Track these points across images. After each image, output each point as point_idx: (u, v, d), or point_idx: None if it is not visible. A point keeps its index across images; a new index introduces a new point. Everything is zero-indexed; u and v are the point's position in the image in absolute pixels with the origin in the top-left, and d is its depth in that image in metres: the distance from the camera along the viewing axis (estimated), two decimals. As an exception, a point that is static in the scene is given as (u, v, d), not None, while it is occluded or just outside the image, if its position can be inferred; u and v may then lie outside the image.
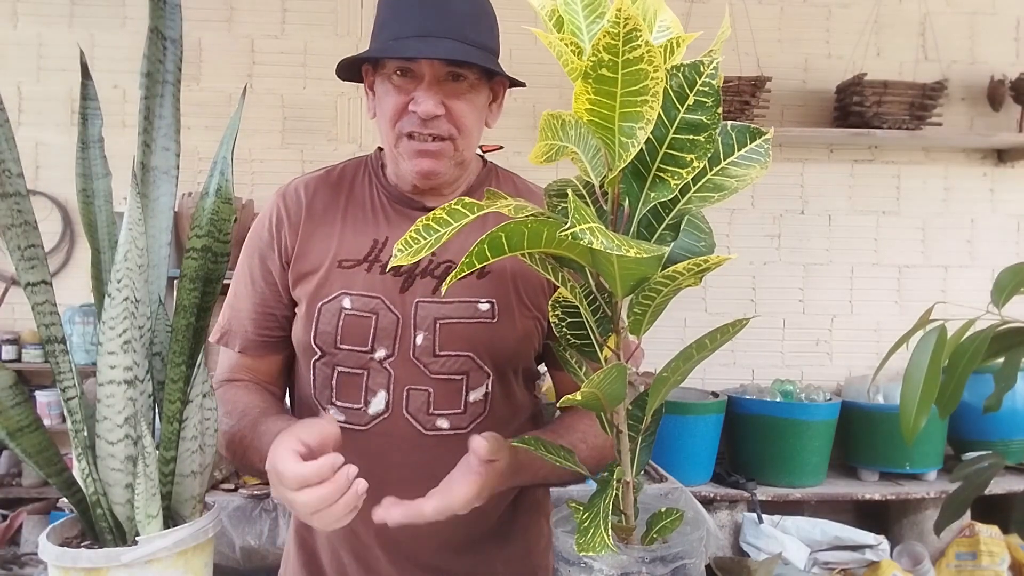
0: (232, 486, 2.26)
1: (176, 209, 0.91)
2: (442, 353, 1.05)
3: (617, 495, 0.85)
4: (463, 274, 0.70)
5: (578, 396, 0.77)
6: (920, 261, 3.46)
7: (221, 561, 2.07)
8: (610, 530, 0.77)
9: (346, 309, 1.05)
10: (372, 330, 1.05)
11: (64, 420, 0.87)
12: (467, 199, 0.74)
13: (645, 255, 0.66)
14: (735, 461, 3.01)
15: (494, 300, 1.07)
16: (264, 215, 1.14)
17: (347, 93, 3.25)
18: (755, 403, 2.93)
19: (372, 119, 1.11)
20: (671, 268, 0.72)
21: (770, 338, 3.40)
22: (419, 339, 1.05)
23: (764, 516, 2.74)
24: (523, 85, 1.09)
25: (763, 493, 2.82)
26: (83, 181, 0.82)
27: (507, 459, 0.93)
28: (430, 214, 0.73)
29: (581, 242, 0.65)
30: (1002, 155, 3.44)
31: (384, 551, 1.10)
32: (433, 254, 1.06)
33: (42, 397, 3.00)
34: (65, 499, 0.81)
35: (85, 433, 0.78)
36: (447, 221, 0.73)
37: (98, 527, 0.79)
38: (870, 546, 2.78)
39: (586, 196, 0.85)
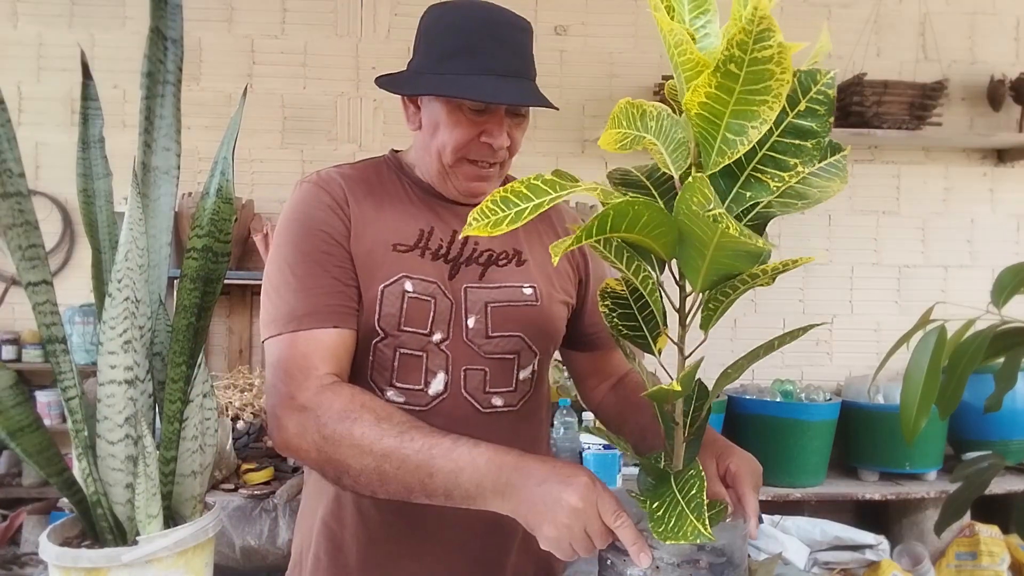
0: (232, 486, 2.26)
1: (176, 209, 0.91)
2: (495, 334, 1.11)
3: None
4: (572, 247, 0.70)
5: (675, 386, 0.77)
6: (920, 261, 3.46)
7: (221, 561, 2.06)
8: (706, 519, 0.76)
9: (408, 292, 1.08)
10: (431, 313, 1.09)
11: (64, 420, 0.87)
12: (547, 176, 0.74)
13: (770, 249, 0.68)
14: (735, 461, 3.00)
15: (535, 285, 1.15)
16: (306, 199, 1.11)
17: (347, 93, 3.25)
18: (755, 403, 2.93)
19: (415, 131, 1.15)
20: (759, 267, 0.74)
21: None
22: (471, 322, 1.10)
23: (764, 516, 2.74)
24: (556, 108, 1.13)
25: (763, 493, 2.81)
26: (84, 181, 0.82)
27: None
28: (508, 186, 0.72)
29: (718, 225, 0.66)
30: (1002, 155, 3.44)
31: (411, 539, 1.11)
32: (476, 243, 1.13)
33: (42, 397, 3.00)
34: (65, 499, 0.81)
35: (85, 433, 0.78)
36: (528, 196, 0.72)
37: (98, 527, 0.79)
38: (870, 546, 2.77)
39: (651, 187, 0.86)
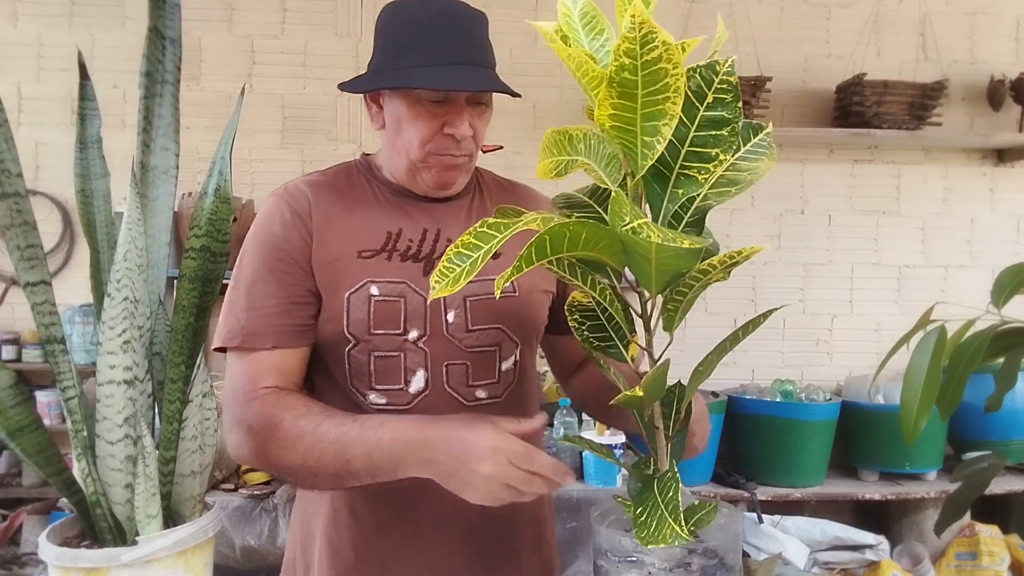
0: (232, 486, 2.26)
1: (175, 209, 0.91)
2: (475, 328, 1.12)
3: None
4: (513, 276, 0.73)
5: (638, 392, 0.78)
6: (920, 261, 3.46)
7: (221, 561, 2.07)
8: (681, 520, 0.77)
9: (374, 296, 1.09)
10: (403, 313, 1.09)
11: (64, 420, 0.87)
12: (491, 220, 0.77)
13: (698, 246, 0.69)
14: (735, 461, 3.00)
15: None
16: (269, 215, 1.13)
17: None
18: (755, 403, 2.93)
19: (379, 130, 1.16)
20: (705, 262, 0.75)
21: (770, 338, 3.40)
22: (450, 317, 1.11)
23: (764, 516, 2.74)
24: (518, 95, 1.13)
25: (763, 493, 2.82)
26: (82, 181, 0.82)
27: None
28: (458, 241, 0.75)
29: (638, 236, 0.67)
30: (1002, 155, 3.44)
31: (408, 540, 1.12)
32: (449, 239, 1.14)
33: (42, 397, 3.00)
34: (65, 499, 0.81)
35: (85, 433, 0.78)
36: (477, 245, 0.75)
37: (98, 527, 0.79)
38: (870, 546, 2.78)
39: (595, 205, 0.88)
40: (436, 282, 0.74)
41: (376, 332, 1.08)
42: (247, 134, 3.20)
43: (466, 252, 0.75)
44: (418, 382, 1.10)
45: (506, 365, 1.15)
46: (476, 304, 1.12)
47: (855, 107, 3.15)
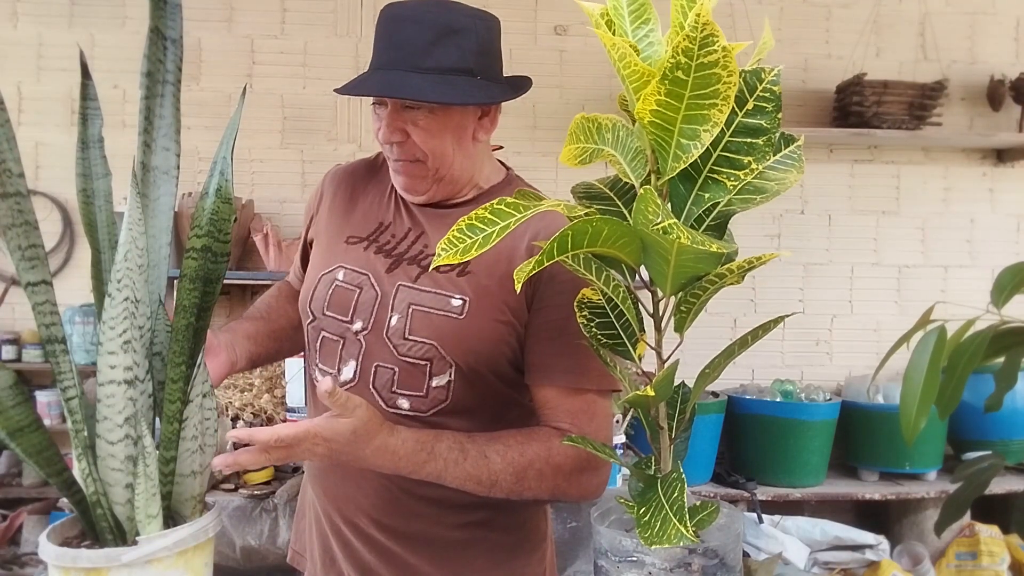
0: (232, 486, 2.26)
1: (176, 209, 0.91)
2: (411, 337, 1.09)
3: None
4: (536, 270, 0.72)
5: (649, 392, 0.78)
6: (920, 261, 3.46)
7: (221, 561, 2.07)
8: (687, 521, 0.76)
9: (338, 280, 1.15)
10: (354, 302, 1.13)
11: (64, 420, 0.87)
12: (509, 199, 0.75)
13: (725, 251, 0.69)
14: (735, 461, 3.01)
15: (467, 299, 1.09)
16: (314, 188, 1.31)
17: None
18: (755, 403, 2.93)
19: None
20: (724, 267, 0.75)
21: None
22: (394, 320, 1.10)
23: (764, 516, 2.74)
24: (413, 98, 1.05)
25: (763, 493, 2.82)
26: (83, 181, 0.82)
27: (361, 423, 0.95)
28: (473, 213, 0.74)
29: (667, 237, 0.67)
30: (1002, 155, 3.44)
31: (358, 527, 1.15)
32: (426, 245, 1.14)
33: (42, 397, 3.00)
34: (65, 499, 0.81)
35: (85, 433, 0.78)
36: (492, 221, 0.74)
37: (98, 527, 0.79)
38: (870, 546, 2.78)
39: (614, 198, 0.87)
40: (443, 249, 0.73)
41: (328, 314, 1.14)
42: (247, 134, 3.19)
43: (480, 225, 0.73)
44: (348, 372, 1.12)
45: (437, 382, 1.09)
46: (418, 314, 1.09)
47: (855, 107, 3.15)
